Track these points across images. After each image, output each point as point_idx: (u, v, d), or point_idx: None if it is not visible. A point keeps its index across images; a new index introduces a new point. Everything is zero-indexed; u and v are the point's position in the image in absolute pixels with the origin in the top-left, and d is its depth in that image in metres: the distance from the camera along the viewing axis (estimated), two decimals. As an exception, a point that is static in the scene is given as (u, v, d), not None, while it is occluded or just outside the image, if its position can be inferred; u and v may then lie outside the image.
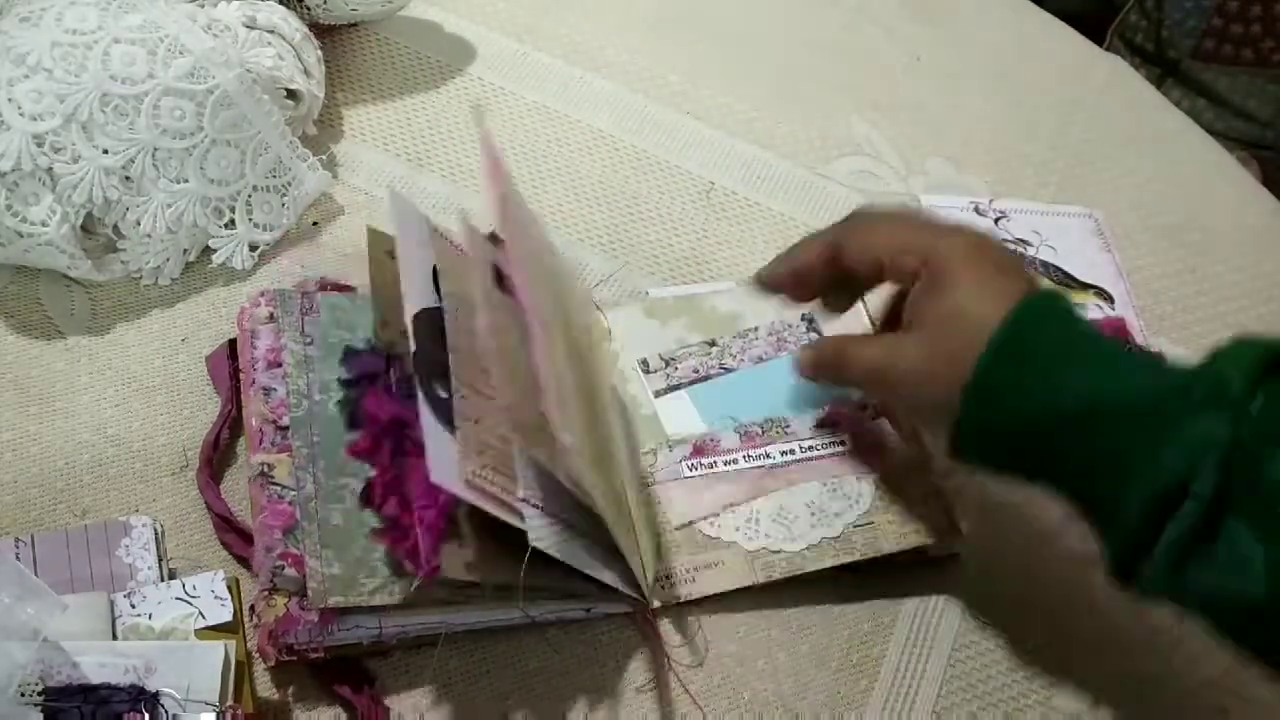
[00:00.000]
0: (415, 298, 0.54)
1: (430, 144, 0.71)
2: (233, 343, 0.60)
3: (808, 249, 0.54)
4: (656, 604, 0.54)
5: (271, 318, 0.58)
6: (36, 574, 0.50)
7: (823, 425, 0.60)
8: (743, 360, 0.62)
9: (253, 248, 0.64)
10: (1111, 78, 0.82)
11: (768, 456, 0.59)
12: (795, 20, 0.82)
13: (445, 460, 0.48)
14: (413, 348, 0.53)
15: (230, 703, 0.47)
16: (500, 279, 0.54)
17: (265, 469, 0.53)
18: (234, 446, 0.58)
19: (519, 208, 0.56)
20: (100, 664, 0.46)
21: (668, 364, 0.62)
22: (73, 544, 0.52)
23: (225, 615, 0.50)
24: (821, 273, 0.53)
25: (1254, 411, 0.43)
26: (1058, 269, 0.70)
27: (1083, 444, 0.45)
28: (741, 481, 0.58)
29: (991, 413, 0.47)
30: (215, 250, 0.63)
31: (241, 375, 0.58)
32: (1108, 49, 0.93)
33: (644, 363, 0.62)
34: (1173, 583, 0.44)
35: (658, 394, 0.61)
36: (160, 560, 0.53)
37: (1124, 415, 0.45)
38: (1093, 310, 0.68)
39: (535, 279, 0.52)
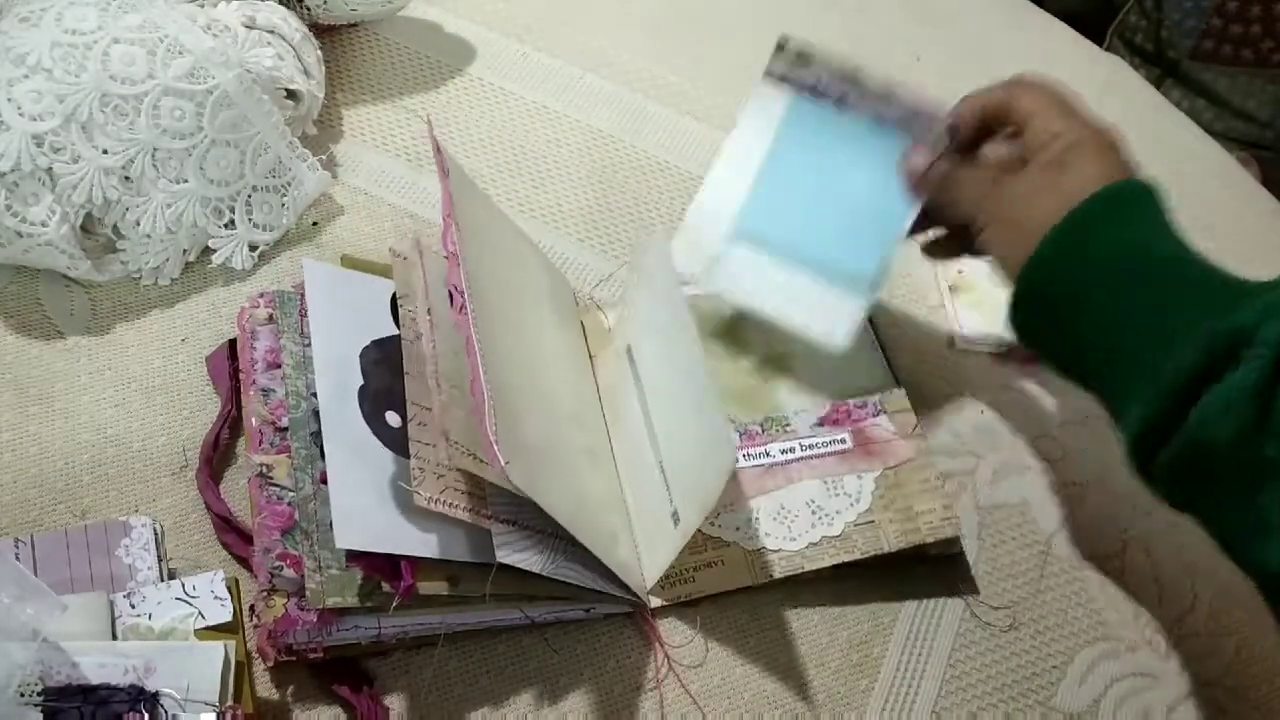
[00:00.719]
0: (343, 339, 0.56)
1: (429, 144, 0.71)
2: (233, 343, 0.60)
3: (972, 106, 0.56)
4: (656, 603, 0.54)
5: (271, 319, 0.58)
6: (36, 574, 0.50)
7: (824, 422, 0.60)
8: (862, 108, 0.60)
9: (252, 248, 0.64)
10: (1111, 78, 0.82)
11: (768, 455, 0.59)
12: (795, 20, 0.82)
13: (352, 522, 0.49)
14: (360, 381, 0.54)
15: (230, 703, 0.47)
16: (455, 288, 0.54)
17: (264, 470, 0.53)
18: (234, 446, 0.58)
19: (476, 217, 0.56)
20: (100, 664, 0.46)
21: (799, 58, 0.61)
22: (72, 544, 0.52)
23: (225, 615, 0.50)
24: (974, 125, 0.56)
25: None
26: (1057, 269, 0.70)
27: (1157, 288, 0.48)
28: (742, 480, 0.58)
29: (1070, 248, 0.49)
30: (215, 250, 0.63)
31: (241, 376, 0.58)
32: (1107, 49, 0.93)
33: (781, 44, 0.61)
34: (1249, 429, 0.43)
35: (767, 76, 0.61)
36: (160, 560, 0.53)
37: (1199, 283, 0.48)
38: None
39: (483, 293, 0.52)
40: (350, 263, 0.62)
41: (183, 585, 0.50)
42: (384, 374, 0.55)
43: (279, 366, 0.56)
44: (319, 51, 0.67)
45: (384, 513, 0.50)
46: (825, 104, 0.60)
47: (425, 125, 0.72)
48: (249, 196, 0.63)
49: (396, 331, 0.56)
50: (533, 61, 0.76)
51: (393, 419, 0.54)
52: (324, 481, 0.51)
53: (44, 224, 0.58)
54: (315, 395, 0.55)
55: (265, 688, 0.51)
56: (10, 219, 0.58)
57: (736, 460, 0.56)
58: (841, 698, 0.54)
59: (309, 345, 0.57)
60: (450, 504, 0.49)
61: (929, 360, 0.66)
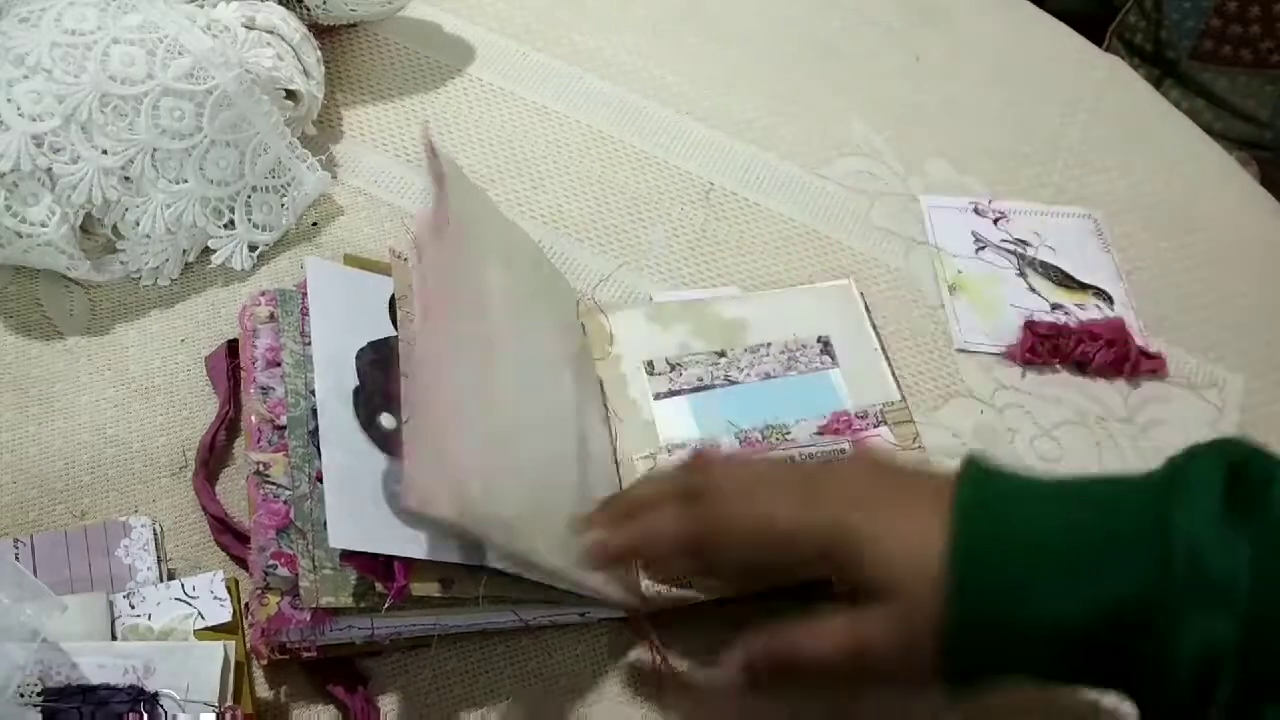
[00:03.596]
0: (341, 338, 0.55)
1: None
2: (232, 343, 0.60)
3: (652, 527, 0.48)
4: (649, 607, 0.54)
5: (272, 317, 0.58)
6: (36, 574, 0.50)
7: (824, 432, 0.59)
8: (750, 375, 0.61)
9: (252, 248, 0.64)
10: (1110, 78, 0.82)
11: None
12: (794, 21, 0.82)
13: (346, 522, 0.48)
14: (355, 383, 0.54)
15: (229, 703, 0.47)
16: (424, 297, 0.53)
17: (261, 468, 0.53)
18: (231, 447, 0.58)
19: (469, 228, 0.56)
20: (99, 664, 0.46)
21: (673, 368, 0.61)
22: (72, 544, 0.52)
23: (224, 616, 0.50)
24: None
25: (1244, 583, 0.38)
26: (1057, 269, 0.70)
27: (1083, 662, 0.41)
28: None
29: (974, 643, 0.41)
30: (215, 251, 0.63)
31: (241, 373, 0.58)
32: (1107, 49, 0.93)
33: (649, 364, 0.61)
34: None
35: (658, 397, 0.60)
36: (159, 561, 0.53)
37: (1110, 626, 0.39)
38: (1091, 310, 0.68)
39: (466, 298, 0.52)
40: (354, 261, 0.61)
41: (182, 586, 0.50)
42: (379, 375, 0.55)
43: (279, 365, 0.56)
44: (319, 52, 0.67)
45: (378, 513, 0.50)
46: (720, 388, 0.61)
47: (423, 126, 0.72)
48: (249, 197, 0.63)
49: (394, 332, 0.56)
50: (532, 62, 0.76)
51: (387, 420, 0.54)
52: (320, 480, 0.51)
53: (43, 224, 0.58)
54: (314, 394, 0.55)
55: (265, 688, 0.51)
56: (10, 219, 0.58)
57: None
58: (841, 698, 0.54)
59: (309, 344, 0.57)
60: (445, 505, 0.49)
61: (929, 360, 0.66)
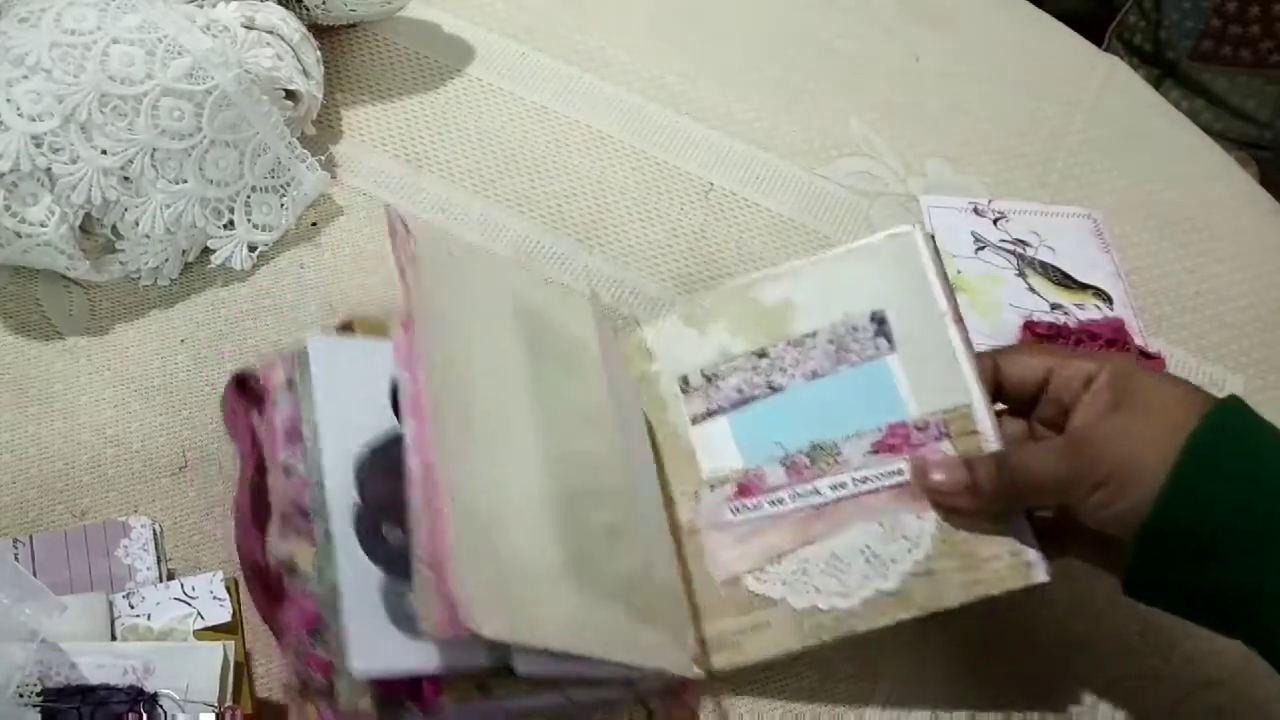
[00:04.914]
0: (351, 435, 0.50)
1: (429, 145, 0.71)
2: (239, 379, 0.54)
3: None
4: (700, 674, 0.51)
5: (291, 384, 0.52)
6: (35, 574, 0.50)
7: (879, 449, 0.52)
8: (795, 376, 0.54)
9: (252, 248, 0.64)
10: (1110, 78, 0.83)
11: (816, 492, 0.52)
12: (794, 21, 0.82)
13: (367, 646, 0.45)
14: (355, 500, 0.49)
15: (229, 703, 0.47)
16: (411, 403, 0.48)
17: (288, 559, 0.48)
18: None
19: (441, 308, 0.50)
20: (99, 665, 0.46)
21: (709, 381, 0.55)
22: (71, 544, 0.52)
23: (224, 616, 0.50)
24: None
25: None
26: (1056, 269, 0.70)
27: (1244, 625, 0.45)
28: (788, 526, 0.52)
29: (1193, 507, 0.44)
30: (214, 251, 0.63)
31: (262, 444, 0.52)
32: (1106, 49, 0.93)
33: (684, 380, 0.56)
34: None
35: (695, 420, 0.55)
36: (159, 561, 0.53)
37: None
38: (1091, 310, 0.68)
39: (451, 396, 0.47)
40: (364, 325, 0.56)
41: (182, 586, 0.50)
42: (380, 483, 0.49)
43: (301, 438, 0.51)
44: (318, 52, 0.67)
45: (401, 629, 0.46)
46: (764, 397, 0.55)
47: (423, 125, 0.72)
48: (248, 197, 0.63)
49: (394, 424, 0.50)
50: (532, 62, 0.76)
51: (390, 534, 0.49)
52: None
53: (43, 224, 0.58)
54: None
55: (265, 688, 0.51)
56: (9, 219, 0.58)
57: (771, 509, 0.53)
58: (842, 697, 0.54)
59: None
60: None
61: (928, 360, 0.66)
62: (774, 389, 0.55)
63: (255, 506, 0.51)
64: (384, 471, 0.49)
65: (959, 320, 0.53)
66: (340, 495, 0.49)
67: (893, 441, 0.52)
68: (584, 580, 0.49)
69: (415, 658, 0.46)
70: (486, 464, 0.48)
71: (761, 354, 0.55)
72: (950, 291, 0.53)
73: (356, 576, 0.47)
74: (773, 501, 0.53)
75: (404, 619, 0.46)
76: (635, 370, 0.58)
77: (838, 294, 0.55)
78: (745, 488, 0.54)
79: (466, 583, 0.43)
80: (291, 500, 0.49)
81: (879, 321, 0.54)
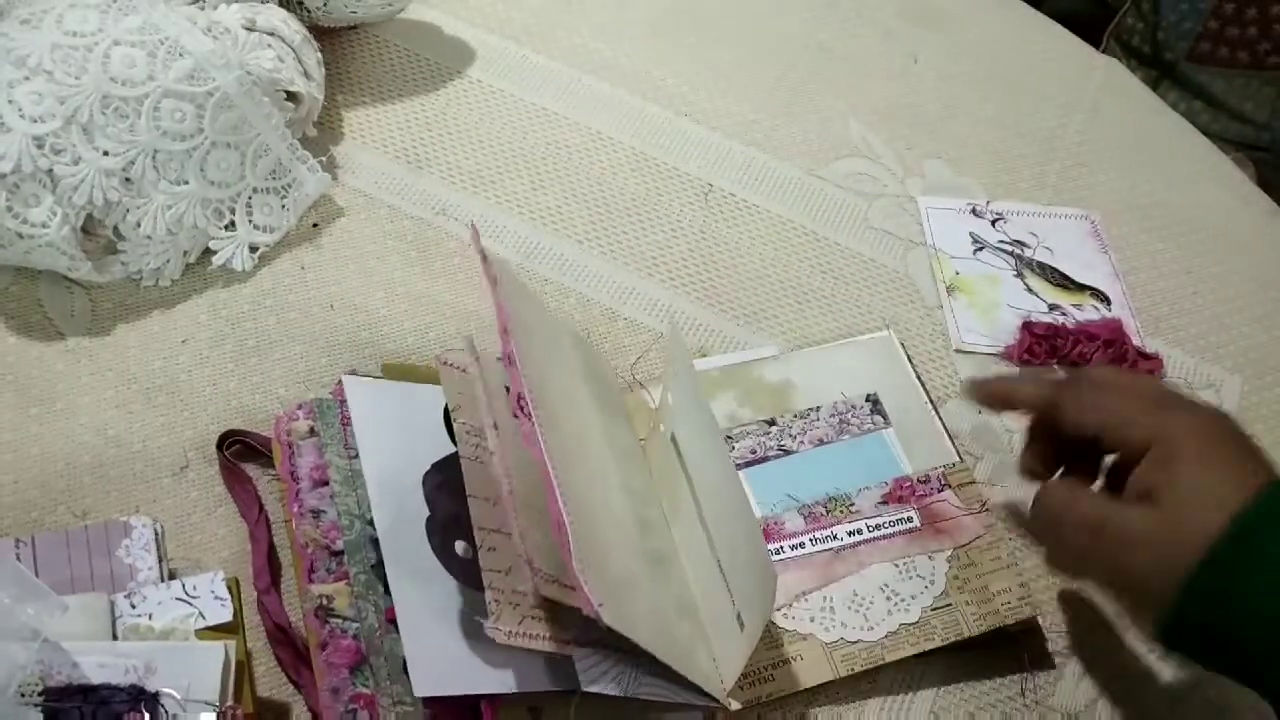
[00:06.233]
0: (395, 463, 0.52)
1: (430, 146, 0.71)
2: (226, 436, 0.57)
3: (1027, 395, 0.53)
4: (735, 706, 0.51)
5: (312, 431, 0.55)
6: (37, 574, 0.50)
7: (888, 500, 0.58)
8: (803, 443, 0.59)
9: (253, 249, 0.64)
10: (1108, 80, 0.83)
11: (834, 538, 0.56)
12: (793, 23, 0.82)
13: (428, 666, 0.46)
14: (425, 511, 0.50)
15: (230, 703, 0.47)
16: (520, 402, 0.49)
17: (324, 601, 0.50)
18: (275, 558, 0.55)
19: (528, 324, 0.52)
20: (100, 664, 0.46)
21: (725, 440, 0.59)
22: (73, 544, 0.52)
23: (225, 615, 0.50)
24: (1032, 422, 0.53)
25: None
26: (1054, 270, 0.70)
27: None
28: (811, 567, 0.56)
29: (1220, 598, 0.44)
30: (215, 252, 0.63)
31: (285, 495, 0.54)
32: (1104, 51, 0.93)
33: None
34: None
35: None
36: (160, 560, 0.53)
37: None
38: (1089, 311, 0.68)
39: (547, 405, 0.48)
40: (392, 371, 0.58)
41: (183, 585, 0.50)
42: (447, 500, 0.51)
43: (326, 484, 0.53)
44: (319, 54, 0.67)
45: (459, 650, 0.47)
46: (775, 459, 0.59)
47: (424, 126, 0.72)
48: (249, 198, 0.64)
49: (453, 448, 0.52)
50: (532, 64, 0.76)
51: (461, 549, 0.51)
52: (391, 619, 0.49)
53: (45, 225, 0.58)
54: (369, 517, 0.52)
55: (265, 688, 0.51)
56: (11, 220, 0.58)
57: (794, 552, 0.56)
58: (841, 697, 0.55)
59: (355, 457, 0.53)
60: (531, 635, 0.46)
61: (928, 360, 0.66)
62: (785, 451, 0.60)
63: (270, 568, 0.54)
64: (447, 489, 0.51)
65: (939, 415, 0.62)
66: (396, 518, 0.50)
67: (900, 493, 0.58)
68: (654, 596, 0.50)
69: (475, 679, 0.46)
70: (582, 474, 0.50)
71: (771, 422, 0.60)
72: (925, 388, 0.62)
73: (414, 600, 0.48)
74: (794, 546, 0.56)
75: (473, 629, 0.47)
76: (641, 428, 0.59)
77: (834, 377, 0.62)
78: (766, 533, 0.57)
79: (586, 571, 0.44)
80: (321, 542, 0.51)
81: (874, 401, 0.62)
